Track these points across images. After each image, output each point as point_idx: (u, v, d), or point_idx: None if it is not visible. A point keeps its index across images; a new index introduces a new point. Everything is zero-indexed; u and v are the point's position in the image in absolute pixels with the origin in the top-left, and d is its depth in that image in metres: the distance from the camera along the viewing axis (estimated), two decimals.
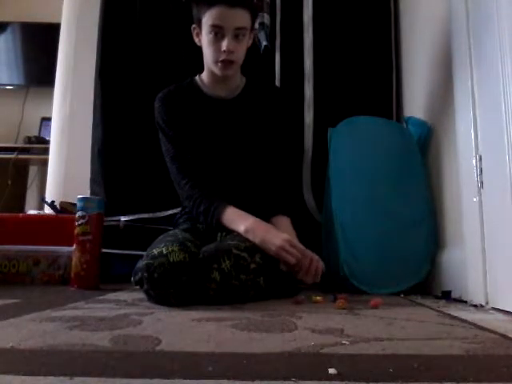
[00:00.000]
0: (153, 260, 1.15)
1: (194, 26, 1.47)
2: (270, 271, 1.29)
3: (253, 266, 1.21)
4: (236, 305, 1.14)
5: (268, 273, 1.27)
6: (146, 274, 1.15)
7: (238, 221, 1.32)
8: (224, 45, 1.37)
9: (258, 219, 1.33)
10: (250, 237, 1.27)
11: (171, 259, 1.15)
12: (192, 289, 1.18)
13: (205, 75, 1.52)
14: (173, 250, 1.17)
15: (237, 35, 1.37)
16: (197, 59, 1.52)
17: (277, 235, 1.28)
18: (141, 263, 1.19)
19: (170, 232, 1.38)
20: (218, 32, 1.37)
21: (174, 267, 1.15)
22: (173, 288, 1.14)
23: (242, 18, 1.37)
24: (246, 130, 1.49)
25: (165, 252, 1.17)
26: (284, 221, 1.42)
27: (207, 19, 1.37)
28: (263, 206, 1.43)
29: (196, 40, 1.48)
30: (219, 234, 1.40)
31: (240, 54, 1.42)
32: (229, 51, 1.37)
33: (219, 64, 1.40)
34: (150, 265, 1.15)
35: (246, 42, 1.43)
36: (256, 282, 1.22)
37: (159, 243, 1.23)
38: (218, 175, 1.48)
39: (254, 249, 1.25)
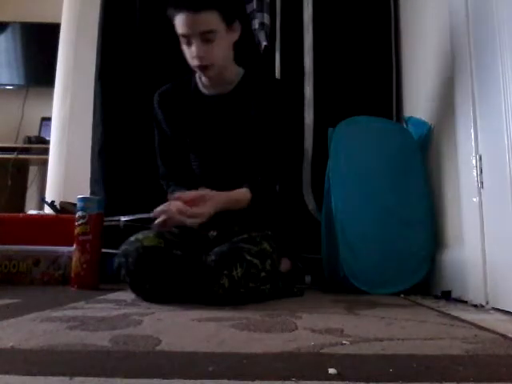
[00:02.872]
0: (128, 245, 1.22)
1: None
2: (277, 277, 1.30)
3: (263, 274, 1.21)
4: (236, 305, 1.14)
5: (274, 279, 1.28)
6: (123, 259, 1.20)
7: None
8: (193, 51, 1.35)
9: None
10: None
11: (145, 243, 1.21)
12: (172, 280, 1.19)
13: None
14: (148, 236, 1.24)
15: (206, 39, 1.33)
16: None
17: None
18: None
19: None
20: (187, 39, 1.35)
21: (148, 251, 1.19)
22: (148, 273, 1.18)
23: (207, 21, 1.32)
24: (238, 123, 1.46)
25: (140, 237, 1.23)
26: (236, 191, 1.35)
27: (176, 28, 1.36)
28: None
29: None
30: (211, 233, 1.40)
31: (216, 56, 1.37)
32: (199, 57, 1.35)
33: (198, 69, 1.40)
34: (125, 250, 1.21)
35: (223, 41, 1.37)
36: (262, 289, 1.22)
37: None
38: (212, 170, 1.48)
39: (264, 254, 1.25)
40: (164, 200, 1.28)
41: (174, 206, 1.20)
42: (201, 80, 1.51)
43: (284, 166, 1.50)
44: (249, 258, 1.19)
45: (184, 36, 1.34)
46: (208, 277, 1.16)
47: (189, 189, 1.39)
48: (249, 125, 1.45)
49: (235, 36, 1.43)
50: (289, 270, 1.59)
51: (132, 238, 1.25)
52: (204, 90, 1.50)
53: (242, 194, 1.34)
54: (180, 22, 1.33)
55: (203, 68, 1.38)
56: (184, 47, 1.38)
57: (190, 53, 1.36)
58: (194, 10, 1.29)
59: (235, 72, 1.50)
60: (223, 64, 1.42)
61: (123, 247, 1.23)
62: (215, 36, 1.34)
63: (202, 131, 1.48)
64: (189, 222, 1.20)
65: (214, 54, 1.36)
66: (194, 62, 1.37)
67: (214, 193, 1.28)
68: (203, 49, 1.34)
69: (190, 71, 1.60)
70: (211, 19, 1.32)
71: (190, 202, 1.22)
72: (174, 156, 1.53)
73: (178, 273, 1.21)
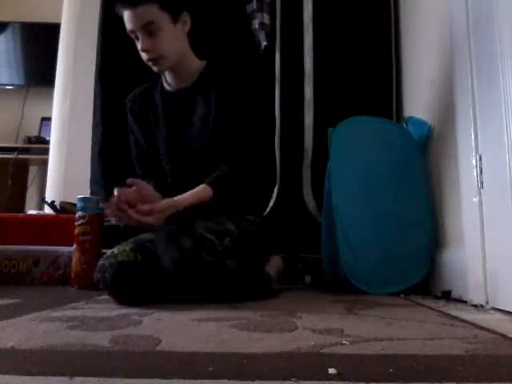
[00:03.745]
0: (105, 260, 1.21)
1: None
2: (243, 258, 1.29)
3: (220, 248, 1.20)
4: (236, 305, 1.14)
5: (240, 258, 1.26)
6: (99, 275, 1.20)
7: None
8: (138, 46, 1.37)
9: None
10: None
11: (120, 259, 1.19)
12: (152, 286, 1.19)
13: None
14: (124, 250, 1.22)
15: (149, 32, 1.34)
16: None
17: None
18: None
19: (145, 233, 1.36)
20: (134, 35, 1.37)
21: (124, 267, 1.18)
22: (124, 287, 1.17)
23: (145, 13, 1.33)
24: (199, 116, 1.45)
25: (115, 252, 1.22)
26: (194, 190, 1.33)
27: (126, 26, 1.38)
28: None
29: None
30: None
31: (163, 48, 1.37)
32: (144, 50, 1.37)
33: (149, 64, 1.40)
34: (101, 265, 1.20)
35: (170, 32, 1.37)
36: (226, 265, 1.21)
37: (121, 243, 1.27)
38: (179, 167, 1.47)
39: (224, 232, 1.25)
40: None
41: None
42: (165, 78, 1.51)
43: (252, 149, 1.45)
44: (200, 231, 1.19)
45: (131, 32, 1.36)
46: (160, 253, 1.15)
47: (161, 188, 1.38)
48: (210, 116, 1.44)
49: (185, 27, 1.43)
50: (279, 268, 1.59)
51: (109, 252, 1.24)
52: (167, 87, 1.50)
53: (201, 192, 1.32)
54: (125, 18, 1.36)
55: (153, 61, 1.38)
56: (136, 44, 1.39)
57: (139, 48, 1.38)
58: (134, 5, 1.32)
59: (196, 65, 1.49)
60: (175, 56, 1.41)
61: (100, 262, 1.22)
62: (158, 28, 1.34)
63: (165, 128, 1.48)
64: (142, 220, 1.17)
65: (161, 46, 1.36)
66: (143, 57, 1.39)
67: (161, 204, 1.22)
68: (147, 42, 1.35)
69: None
70: (150, 11, 1.33)
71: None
72: (146, 158, 1.53)
73: (155, 284, 1.20)
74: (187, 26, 1.43)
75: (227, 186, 1.37)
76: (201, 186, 1.33)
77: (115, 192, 1.16)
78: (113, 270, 1.18)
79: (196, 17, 1.47)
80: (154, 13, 1.33)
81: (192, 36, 1.47)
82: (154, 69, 1.42)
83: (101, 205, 1.21)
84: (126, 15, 1.34)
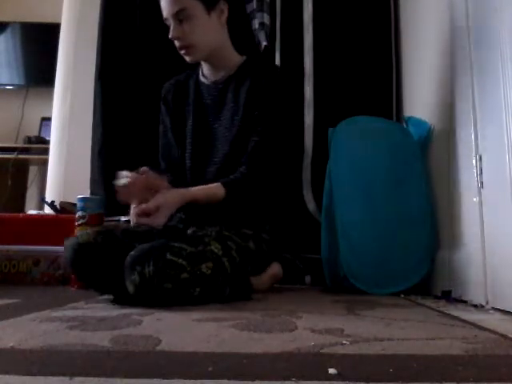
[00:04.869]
0: (68, 241, 1.23)
1: None
2: (220, 281, 1.21)
3: (184, 275, 1.12)
4: (236, 304, 1.14)
5: (212, 283, 1.18)
6: (64, 254, 1.25)
7: None
8: (170, 34, 1.36)
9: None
10: None
11: (80, 240, 1.21)
12: (112, 269, 1.18)
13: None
14: (87, 233, 1.24)
15: (180, 19, 1.33)
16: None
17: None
18: None
19: None
20: (168, 24, 1.36)
21: (82, 248, 1.19)
22: (82, 267, 1.20)
23: (178, 0, 1.33)
24: (228, 112, 1.43)
25: (79, 234, 1.26)
26: (206, 186, 1.32)
27: None
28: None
29: None
30: (190, 230, 1.38)
31: (195, 37, 1.35)
32: (174, 38, 1.35)
33: (181, 53, 1.39)
34: (65, 246, 1.23)
35: (203, 21, 1.35)
36: (189, 292, 1.14)
37: None
38: (201, 162, 1.45)
39: (204, 256, 1.17)
40: None
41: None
42: (202, 69, 1.49)
43: (277, 160, 1.42)
44: (169, 257, 1.11)
45: (166, 20, 1.36)
46: (123, 272, 1.12)
47: (178, 183, 1.37)
48: (238, 115, 1.40)
49: (222, 17, 1.40)
50: (276, 275, 1.55)
51: (76, 236, 1.28)
52: (202, 79, 1.49)
53: (213, 189, 1.30)
54: (161, 6, 1.36)
55: (184, 49, 1.37)
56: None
57: (170, 35, 1.36)
58: None
59: (234, 59, 1.47)
60: (208, 46, 1.39)
61: (65, 242, 1.24)
62: (190, 16, 1.33)
63: (192, 122, 1.47)
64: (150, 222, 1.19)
65: (192, 35, 1.35)
66: (176, 45, 1.38)
67: (169, 195, 1.22)
68: (178, 29, 1.34)
69: (190, 70, 1.60)
70: None
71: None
72: (170, 151, 1.53)
73: (113, 267, 1.18)
74: (224, 16, 1.40)
75: (242, 190, 1.33)
76: (215, 184, 1.31)
77: (128, 175, 1.19)
78: (72, 250, 1.19)
79: (234, 8, 1.45)
80: (187, 0, 1.32)
81: (231, 28, 1.45)
82: (186, 58, 1.40)
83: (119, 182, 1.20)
84: (162, 2, 1.35)
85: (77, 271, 1.24)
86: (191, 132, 1.47)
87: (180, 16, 1.33)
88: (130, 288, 1.09)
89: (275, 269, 1.55)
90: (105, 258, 1.19)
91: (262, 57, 1.49)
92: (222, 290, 1.22)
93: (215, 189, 1.30)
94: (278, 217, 1.57)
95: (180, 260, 1.12)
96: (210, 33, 1.38)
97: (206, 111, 1.46)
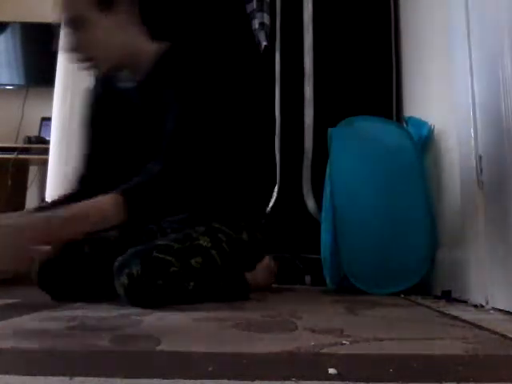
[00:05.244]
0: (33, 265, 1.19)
1: None
2: (213, 275, 1.19)
3: (173, 269, 1.09)
4: (236, 304, 1.14)
5: (205, 277, 1.17)
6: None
7: None
8: (63, 46, 1.15)
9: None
10: None
11: (39, 265, 1.18)
12: (77, 286, 1.19)
13: None
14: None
15: (74, 28, 1.11)
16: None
17: None
18: None
19: None
20: (63, 32, 1.16)
21: (45, 267, 1.18)
22: (48, 287, 1.19)
23: (68, 6, 1.10)
24: (146, 118, 1.26)
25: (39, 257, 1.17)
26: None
27: None
28: None
29: None
30: (167, 227, 1.33)
31: (92, 48, 1.12)
32: (70, 51, 1.13)
33: (82, 67, 1.18)
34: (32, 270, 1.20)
35: (98, 27, 1.10)
36: (183, 286, 1.12)
37: None
38: (121, 170, 1.30)
39: (192, 250, 1.15)
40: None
41: None
42: (119, 74, 1.29)
43: (195, 148, 1.15)
44: (156, 254, 1.08)
45: (58, 27, 1.17)
46: (113, 277, 1.09)
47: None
48: (166, 114, 1.18)
49: (124, 14, 1.15)
50: (270, 269, 1.53)
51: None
52: (118, 83, 1.30)
53: (96, 204, 0.98)
54: (53, 12, 1.14)
55: (85, 64, 1.15)
56: None
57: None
58: None
59: (150, 54, 1.22)
60: (113, 53, 1.16)
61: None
62: (85, 22, 1.09)
63: (112, 129, 1.34)
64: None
65: (91, 45, 1.12)
66: (74, 58, 1.16)
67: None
68: (73, 39, 1.11)
69: None
70: (73, 2, 1.10)
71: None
72: (91, 159, 1.39)
73: (81, 280, 1.20)
74: (127, 12, 1.16)
75: (149, 191, 1.06)
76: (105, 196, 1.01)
77: None
78: (36, 275, 1.19)
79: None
80: (80, 5, 1.09)
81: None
82: (90, 73, 1.21)
83: None
84: (53, 7, 1.12)
85: (44, 289, 1.21)
86: (114, 138, 1.34)
87: (73, 24, 1.10)
88: (120, 291, 1.08)
89: (266, 261, 1.52)
90: (69, 275, 1.19)
91: (186, 42, 1.26)
92: (216, 283, 1.21)
93: (105, 203, 1.00)
94: (258, 203, 1.50)
95: (167, 256, 1.10)
96: (112, 39, 1.14)
97: (121, 116, 1.32)
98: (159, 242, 1.14)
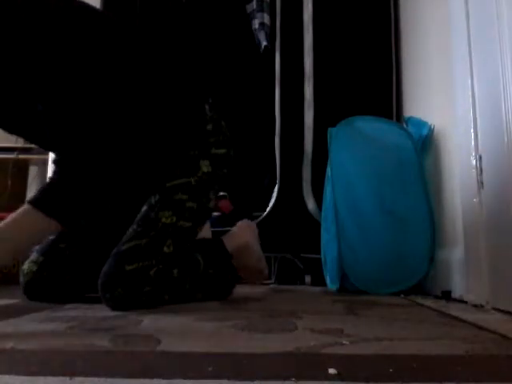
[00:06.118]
0: (21, 276, 1.21)
1: None
2: (188, 251, 1.14)
3: (153, 271, 1.06)
4: (236, 304, 1.14)
5: (183, 256, 1.13)
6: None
7: None
8: None
9: None
10: None
11: (26, 279, 1.19)
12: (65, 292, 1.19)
13: None
14: (29, 270, 1.19)
15: None
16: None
17: None
18: None
19: None
20: None
21: (30, 286, 1.19)
22: (40, 299, 1.18)
23: None
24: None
25: (25, 271, 1.20)
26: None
27: None
28: None
29: None
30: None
31: None
32: None
33: None
34: (20, 281, 1.21)
35: None
36: (169, 275, 1.10)
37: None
38: None
39: (160, 236, 1.09)
40: None
41: None
42: None
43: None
44: (128, 268, 1.04)
45: None
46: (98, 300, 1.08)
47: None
48: None
49: None
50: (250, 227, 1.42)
51: (23, 267, 1.21)
52: None
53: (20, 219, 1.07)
54: None
55: None
56: None
57: None
58: None
59: None
60: None
61: (20, 277, 1.21)
62: None
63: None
64: None
65: None
66: None
67: None
68: None
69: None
70: None
71: None
72: None
73: (66, 293, 1.21)
74: None
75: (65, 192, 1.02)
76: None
77: None
78: (23, 289, 1.20)
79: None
80: None
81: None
82: None
83: None
84: None
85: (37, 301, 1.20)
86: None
87: None
88: (110, 307, 1.06)
89: (246, 222, 1.43)
90: (55, 286, 1.19)
91: None
92: (194, 257, 1.17)
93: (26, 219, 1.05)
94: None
95: (140, 264, 1.05)
96: None
97: None
98: (125, 247, 1.07)
